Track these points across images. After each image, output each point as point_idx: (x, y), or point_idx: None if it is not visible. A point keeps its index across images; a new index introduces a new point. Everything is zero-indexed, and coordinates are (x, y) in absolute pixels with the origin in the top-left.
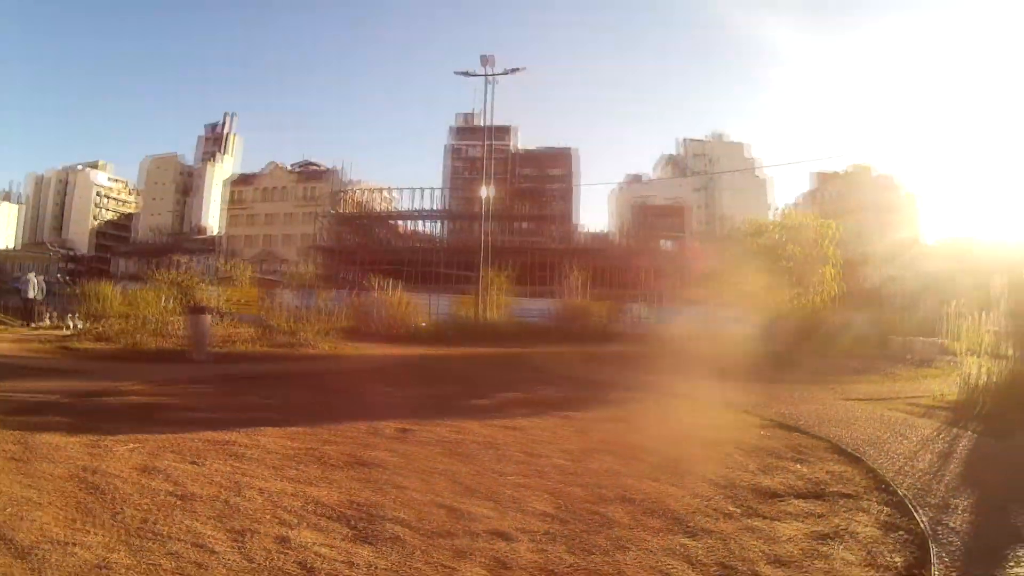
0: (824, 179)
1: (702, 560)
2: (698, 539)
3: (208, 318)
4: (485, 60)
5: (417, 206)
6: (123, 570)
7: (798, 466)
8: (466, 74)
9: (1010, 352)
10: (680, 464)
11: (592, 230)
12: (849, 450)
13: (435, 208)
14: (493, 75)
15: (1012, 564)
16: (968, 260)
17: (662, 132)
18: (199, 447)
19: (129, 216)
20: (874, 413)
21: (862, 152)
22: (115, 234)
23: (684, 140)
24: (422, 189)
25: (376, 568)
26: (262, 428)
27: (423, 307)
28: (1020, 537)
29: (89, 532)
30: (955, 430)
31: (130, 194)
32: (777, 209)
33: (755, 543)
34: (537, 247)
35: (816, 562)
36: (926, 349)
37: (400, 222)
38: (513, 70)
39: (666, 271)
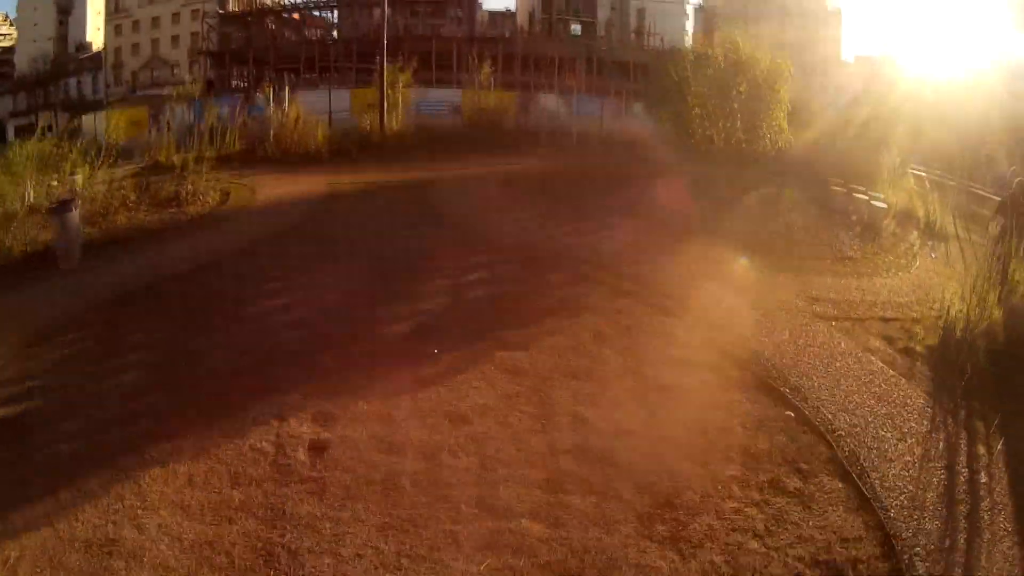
0: None
1: None
2: None
3: (76, 213)
4: None
5: None
6: None
7: None
8: None
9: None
10: None
11: (497, 9)
12: None
13: None
14: None
15: None
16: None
17: None
18: None
19: (10, 50)
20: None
21: None
22: None
23: None
24: None
25: None
26: None
27: (321, 111)
28: None
29: None
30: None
31: (10, 26)
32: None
33: None
34: (439, 35)
35: None
36: (869, 212)
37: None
38: None
39: (577, 59)
